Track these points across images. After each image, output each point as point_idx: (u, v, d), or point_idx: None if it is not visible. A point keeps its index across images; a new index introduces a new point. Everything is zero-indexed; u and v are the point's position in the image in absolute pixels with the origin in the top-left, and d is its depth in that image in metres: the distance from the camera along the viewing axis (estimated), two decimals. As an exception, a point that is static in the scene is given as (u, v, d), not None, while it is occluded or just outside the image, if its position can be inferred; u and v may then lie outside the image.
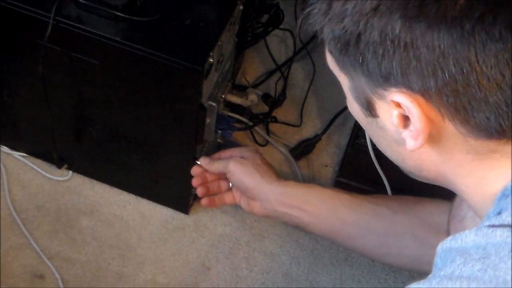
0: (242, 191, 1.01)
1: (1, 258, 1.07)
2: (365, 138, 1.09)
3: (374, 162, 1.11)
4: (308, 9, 0.56)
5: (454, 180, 0.58)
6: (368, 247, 0.94)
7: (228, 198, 1.04)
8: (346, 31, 0.53)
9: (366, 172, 1.15)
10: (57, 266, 1.07)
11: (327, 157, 1.27)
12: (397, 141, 0.57)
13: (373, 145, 1.10)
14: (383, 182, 1.12)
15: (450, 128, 0.53)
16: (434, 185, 1.21)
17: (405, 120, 0.54)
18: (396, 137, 0.57)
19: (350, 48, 0.53)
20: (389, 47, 0.50)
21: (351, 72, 0.56)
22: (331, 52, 0.57)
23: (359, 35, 0.52)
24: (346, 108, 1.29)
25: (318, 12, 0.55)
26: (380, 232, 0.92)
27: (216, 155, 1.06)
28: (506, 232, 0.48)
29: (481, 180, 0.56)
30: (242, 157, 1.02)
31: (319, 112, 1.33)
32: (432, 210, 0.90)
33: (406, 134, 0.55)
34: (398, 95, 0.52)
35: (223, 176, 1.04)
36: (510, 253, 0.47)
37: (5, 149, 1.18)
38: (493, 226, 0.50)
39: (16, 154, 1.18)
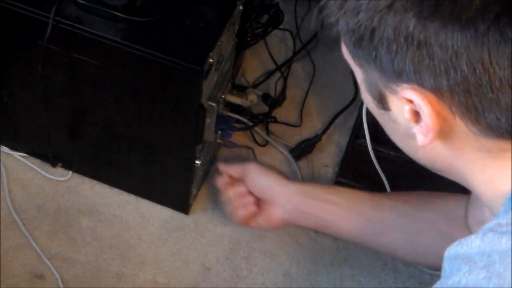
0: (261, 193, 0.98)
1: (1, 258, 1.07)
2: (365, 138, 1.09)
3: (374, 162, 1.11)
4: (324, 0, 0.56)
5: (467, 176, 0.58)
6: (394, 246, 0.92)
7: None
8: (360, 25, 0.53)
9: (366, 172, 1.15)
10: (57, 266, 1.07)
11: (327, 157, 1.27)
12: (408, 134, 0.57)
13: (373, 145, 1.10)
14: (383, 182, 1.12)
15: (461, 126, 0.53)
16: (439, 184, 1.19)
17: (417, 115, 0.54)
18: (408, 131, 0.57)
19: (364, 42, 0.53)
20: (403, 44, 0.51)
21: (364, 65, 0.57)
22: (346, 44, 0.57)
23: (373, 30, 0.52)
24: (346, 108, 1.32)
25: (333, 4, 0.55)
26: (403, 229, 0.90)
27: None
28: (510, 238, 0.48)
29: (492, 178, 0.56)
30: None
31: (319, 112, 1.33)
32: (452, 204, 0.88)
33: (416, 129, 0.55)
34: (409, 92, 0.53)
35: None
36: None
37: (5, 149, 1.18)
38: (499, 225, 0.50)
39: (16, 154, 1.18)
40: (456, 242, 0.53)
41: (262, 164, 1.01)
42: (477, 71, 0.49)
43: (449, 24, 0.49)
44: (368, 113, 1.06)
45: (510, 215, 0.51)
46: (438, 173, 0.62)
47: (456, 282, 0.49)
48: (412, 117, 0.55)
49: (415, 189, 1.17)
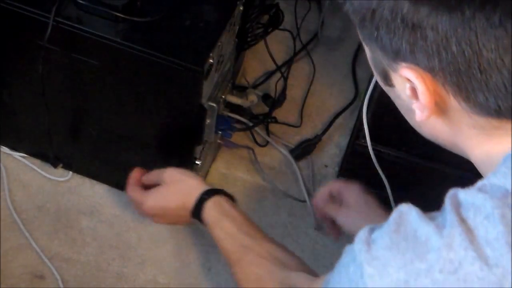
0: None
1: (1, 258, 1.07)
2: (365, 138, 1.09)
3: (374, 162, 1.11)
4: None
5: (466, 151, 0.61)
6: None
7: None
8: (362, 6, 0.56)
9: (366, 172, 1.15)
10: (57, 266, 1.07)
11: (327, 157, 1.27)
12: (411, 110, 0.60)
13: (373, 145, 1.10)
14: (383, 182, 1.12)
15: (455, 104, 0.56)
16: (434, 185, 1.19)
17: (416, 92, 0.57)
18: (410, 107, 0.59)
19: (366, 22, 0.56)
20: (399, 25, 0.53)
21: (368, 44, 0.59)
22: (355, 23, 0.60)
23: (373, 11, 0.55)
24: (346, 108, 1.31)
25: None
26: None
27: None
28: (486, 196, 0.52)
29: (488, 153, 0.58)
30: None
31: (319, 112, 1.33)
32: None
33: (415, 105, 0.58)
34: (406, 71, 0.55)
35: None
36: (484, 221, 0.50)
37: (5, 149, 1.18)
38: (484, 185, 0.54)
39: (16, 154, 1.18)
40: (460, 189, 0.55)
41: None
42: (466, 53, 0.51)
43: (438, 7, 0.51)
44: (368, 113, 1.06)
45: (493, 175, 0.54)
46: (443, 146, 0.65)
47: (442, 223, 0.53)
48: (412, 94, 0.57)
49: (415, 190, 1.17)
